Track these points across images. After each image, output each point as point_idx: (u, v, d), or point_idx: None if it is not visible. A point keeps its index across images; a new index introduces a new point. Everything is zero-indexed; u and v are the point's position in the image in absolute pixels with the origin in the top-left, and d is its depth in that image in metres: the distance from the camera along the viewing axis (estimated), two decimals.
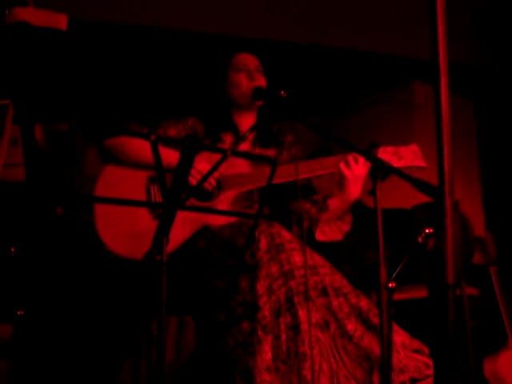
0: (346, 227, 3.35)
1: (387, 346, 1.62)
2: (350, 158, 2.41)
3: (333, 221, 2.64)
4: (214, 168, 1.57)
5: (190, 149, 1.50)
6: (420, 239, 1.78)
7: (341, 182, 2.45)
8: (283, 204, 2.66)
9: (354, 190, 2.44)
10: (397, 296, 1.73)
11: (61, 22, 2.31)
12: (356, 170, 2.41)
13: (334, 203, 2.56)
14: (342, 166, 2.42)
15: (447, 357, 0.94)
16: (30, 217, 2.49)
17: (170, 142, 2.46)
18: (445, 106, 0.94)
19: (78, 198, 2.28)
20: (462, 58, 4.11)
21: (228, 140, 2.62)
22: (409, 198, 3.71)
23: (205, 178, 1.75)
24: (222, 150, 1.58)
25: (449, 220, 0.89)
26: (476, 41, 4.33)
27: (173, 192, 1.55)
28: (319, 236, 2.62)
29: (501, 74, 4.47)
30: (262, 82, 2.58)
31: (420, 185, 1.66)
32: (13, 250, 2.18)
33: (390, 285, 1.71)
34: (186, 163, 1.52)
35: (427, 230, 1.79)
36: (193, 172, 2.36)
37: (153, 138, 1.44)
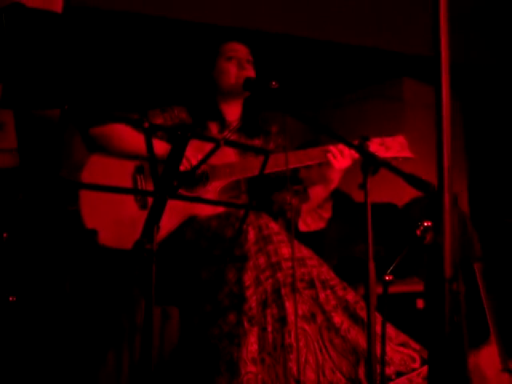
0: (327, 214, 3.35)
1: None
2: (334, 148, 2.42)
3: (314, 210, 2.64)
4: (207, 157, 1.55)
5: (182, 137, 1.48)
6: (418, 232, 1.77)
7: (325, 171, 2.46)
8: (268, 195, 2.65)
9: (337, 178, 2.47)
10: (391, 289, 1.72)
11: (56, 4, 2.28)
12: (341, 162, 2.42)
13: (315, 191, 2.56)
14: (330, 156, 2.42)
15: (442, 352, 0.94)
16: (21, 203, 2.46)
17: (161, 131, 2.44)
18: (446, 101, 0.94)
19: (67, 185, 2.25)
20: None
21: (214, 129, 2.60)
22: (396, 192, 3.73)
23: (196, 167, 1.73)
24: (215, 139, 1.57)
25: (447, 214, 0.88)
26: (461, 38, 4.34)
27: (164, 180, 1.53)
28: (302, 227, 2.62)
29: (486, 69, 4.49)
30: (251, 72, 2.56)
31: (412, 180, 1.65)
32: (5, 235, 2.15)
33: (387, 278, 1.70)
34: (178, 152, 1.50)
35: (426, 223, 1.78)
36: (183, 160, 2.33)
37: (146, 125, 1.42)
